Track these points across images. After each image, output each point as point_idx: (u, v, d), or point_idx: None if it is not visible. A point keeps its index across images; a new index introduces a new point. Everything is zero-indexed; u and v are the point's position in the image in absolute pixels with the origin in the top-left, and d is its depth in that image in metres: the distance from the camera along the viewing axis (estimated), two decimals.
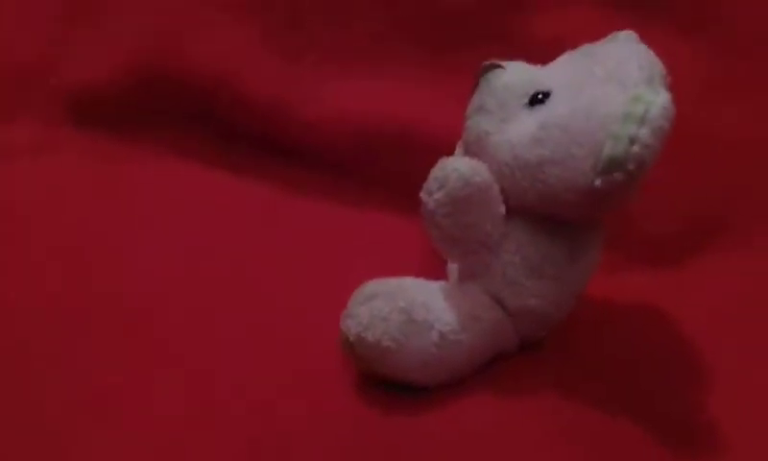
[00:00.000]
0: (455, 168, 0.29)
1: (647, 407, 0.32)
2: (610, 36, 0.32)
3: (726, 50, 0.44)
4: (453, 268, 0.35)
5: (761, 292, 0.39)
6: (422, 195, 0.30)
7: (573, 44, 0.32)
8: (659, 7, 0.43)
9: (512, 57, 0.34)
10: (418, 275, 0.34)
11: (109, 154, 0.48)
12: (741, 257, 0.41)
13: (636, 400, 0.32)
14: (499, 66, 0.31)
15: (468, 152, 0.32)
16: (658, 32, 0.43)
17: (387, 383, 0.31)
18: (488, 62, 0.32)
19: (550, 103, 0.29)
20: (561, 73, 0.30)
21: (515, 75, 0.31)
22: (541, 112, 0.29)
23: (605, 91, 0.28)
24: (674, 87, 0.31)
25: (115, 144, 0.49)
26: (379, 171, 0.45)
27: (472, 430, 0.30)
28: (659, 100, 0.26)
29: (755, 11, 0.44)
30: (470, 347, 0.31)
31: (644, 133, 0.26)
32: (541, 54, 0.33)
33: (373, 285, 0.31)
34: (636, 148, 0.26)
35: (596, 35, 0.33)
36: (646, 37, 0.33)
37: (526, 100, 0.30)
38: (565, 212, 0.30)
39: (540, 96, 0.30)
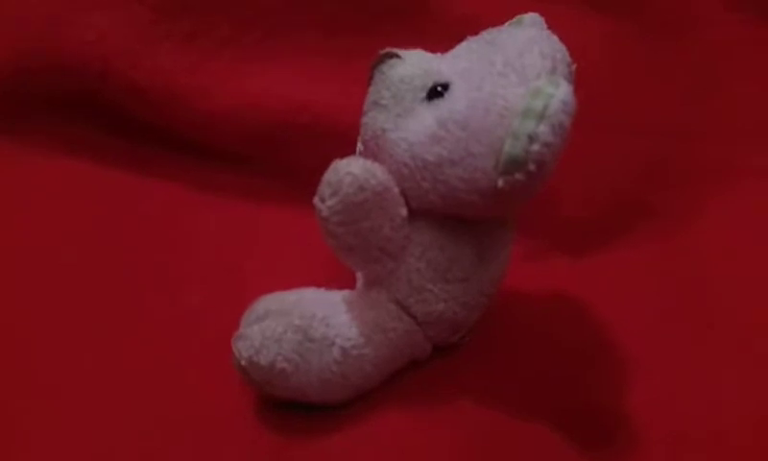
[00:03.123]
0: (348, 172, 0.27)
1: (566, 406, 0.31)
2: (514, 20, 0.30)
3: (641, 31, 0.43)
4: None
5: (678, 277, 0.38)
6: (315, 201, 0.28)
7: (484, 23, 0.30)
8: None
9: (421, 37, 0.31)
10: (327, 278, 0.32)
11: None
12: (660, 241, 0.41)
13: (555, 398, 0.31)
14: (395, 56, 0.29)
15: (367, 150, 0.30)
16: (571, 11, 0.42)
17: (288, 404, 0.29)
18: (383, 52, 0.29)
19: (449, 96, 0.27)
20: (461, 63, 0.28)
21: (411, 66, 0.29)
22: (440, 107, 0.27)
23: (505, 83, 0.26)
24: (589, 70, 0.30)
25: None
26: (285, 165, 0.42)
27: (383, 448, 0.29)
28: (558, 94, 0.24)
29: None
30: (376, 360, 0.30)
31: (543, 130, 0.24)
32: (452, 33, 0.30)
33: (266, 302, 0.29)
34: (535, 147, 0.24)
35: (508, 13, 0.31)
36: (559, 17, 0.31)
37: (424, 93, 0.28)
38: (470, 213, 0.28)
39: (438, 89, 0.28)
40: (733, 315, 0.36)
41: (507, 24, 0.30)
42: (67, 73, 0.43)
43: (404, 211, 0.29)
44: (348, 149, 0.31)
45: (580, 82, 0.29)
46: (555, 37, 0.28)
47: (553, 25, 0.30)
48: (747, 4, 0.45)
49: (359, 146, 0.32)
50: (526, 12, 0.30)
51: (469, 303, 0.31)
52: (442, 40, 0.31)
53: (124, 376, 0.31)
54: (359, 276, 0.33)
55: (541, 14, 0.30)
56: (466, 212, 0.28)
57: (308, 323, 0.28)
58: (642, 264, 0.39)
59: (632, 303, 0.37)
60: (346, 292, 0.31)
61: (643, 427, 0.30)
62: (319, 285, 0.31)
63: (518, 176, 0.25)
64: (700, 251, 0.40)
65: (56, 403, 0.30)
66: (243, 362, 0.28)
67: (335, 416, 0.30)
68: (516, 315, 0.36)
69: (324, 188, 0.27)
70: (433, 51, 0.30)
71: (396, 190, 0.28)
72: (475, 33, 0.30)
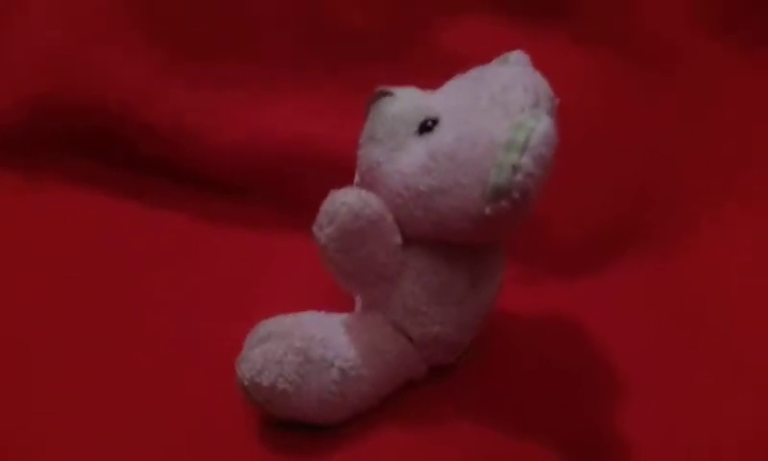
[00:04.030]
0: (344, 202, 0.28)
1: (562, 427, 0.32)
2: (500, 58, 0.32)
3: (629, 60, 0.44)
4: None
5: (672, 299, 0.39)
6: (314, 230, 0.29)
7: (472, 61, 0.32)
8: (559, 18, 0.44)
9: (413, 74, 0.33)
10: (328, 302, 0.33)
11: (8, 186, 0.46)
12: (653, 263, 0.42)
13: (551, 419, 0.32)
14: (389, 94, 0.31)
15: (363, 181, 0.32)
16: (559, 42, 0.43)
17: (289, 424, 0.30)
18: (378, 90, 0.31)
19: (439, 130, 0.29)
20: (449, 99, 0.30)
21: (404, 103, 0.30)
22: (430, 141, 0.29)
23: (490, 117, 0.28)
24: (579, 98, 0.32)
25: (13, 177, 0.46)
26: (287, 195, 0.44)
27: None
28: (539, 127, 0.26)
29: (650, 19, 0.45)
30: (373, 381, 0.31)
31: (526, 161, 0.26)
32: (444, 69, 0.32)
33: (267, 325, 0.30)
34: (519, 177, 0.26)
35: (495, 52, 0.33)
36: (547, 49, 0.33)
37: (416, 128, 0.30)
38: (460, 238, 0.29)
39: (428, 124, 0.29)
40: (728, 336, 0.37)
41: (493, 62, 0.32)
42: (85, 112, 0.45)
43: (398, 239, 0.30)
44: (346, 180, 0.32)
45: (570, 110, 0.30)
46: (538, 74, 0.30)
47: (541, 56, 0.32)
48: (732, 33, 0.46)
49: (356, 177, 0.34)
50: (513, 49, 0.32)
51: (464, 324, 0.32)
52: (432, 77, 0.32)
53: (130, 396, 0.32)
54: (358, 299, 0.34)
55: (529, 47, 0.32)
56: (457, 238, 0.29)
57: (308, 345, 0.29)
58: (636, 286, 0.40)
59: (626, 324, 0.38)
60: (344, 315, 0.32)
61: (638, 448, 0.31)
62: (320, 309, 0.32)
63: (504, 204, 0.27)
64: (692, 272, 0.41)
65: (63, 422, 0.31)
66: (245, 383, 0.29)
67: (334, 435, 0.30)
68: (511, 337, 0.37)
69: (321, 217, 0.29)
70: (424, 87, 0.32)
71: (391, 218, 0.30)
72: (464, 70, 0.32)
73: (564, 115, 0.30)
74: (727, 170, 0.45)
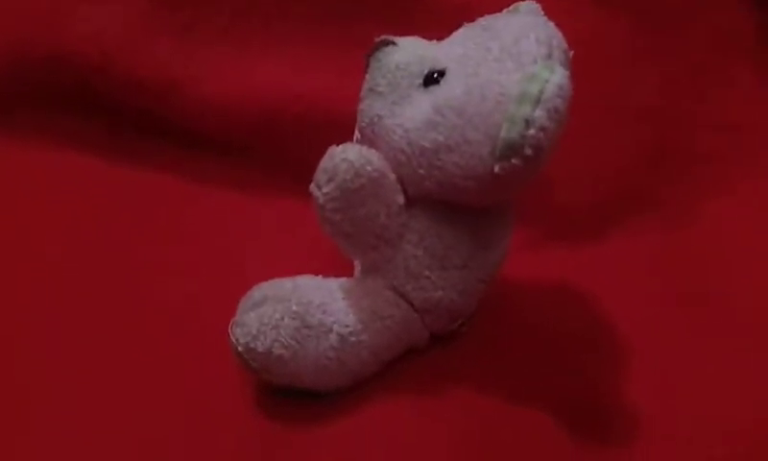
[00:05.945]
0: (344, 158, 0.27)
1: (564, 395, 0.31)
2: (511, 7, 0.30)
3: (640, 17, 0.43)
4: None
5: (677, 266, 0.38)
6: (312, 188, 0.28)
7: (480, 12, 0.30)
8: None
9: (417, 25, 0.31)
10: (324, 266, 0.32)
11: None
12: (660, 230, 0.41)
13: (554, 388, 0.31)
14: (391, 43, 0.29)
15: (363, 137, 0.30)
16: None
17: (286, 391, 0.29)
18: (379, 39, 0.29)
19: (445, 82, 0.27)
20: (457, 49, 0.28)
21: (407, 53, 0.29)
22: (436, 94, 0.27)
23: (501, 69, 0.26)
24: (587, 57, 0.30)
25: None
26: (281, 153, 0.42)
27: (381, 435, 0.29)
28: (554, 78, 0.24)
29: None
30: (373, 347, 0.30)
31: (539, 114, 0.24)
32: (448, 22, 0.30)
33: (263, 289, 0.29)
34: (531, 131, 0.24)
35: (503, 2, 0.31)
36: (555, 4, 0.31)
37: (420, 80, 0.28)
38: (466, 199, 0.28)
39: (434, 75, 0.28)
40: (733, 303, 0.36)
41: (504, 11, 0.30)
42: (65, 65, 0.43)
43: (401, 198, 0.29)
44: (344, 137, 0.31)
45: (578, 69, 0.28)
46: (551, 24, 0.28)
47: (550, 12, 0.30)
48: None
49: (356, 133, 0.32)
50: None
51: (467, 290, 0.31)
52: (438, 29, 0.31)
53: (121, 364, 0.31)
54: (357, 264, 0.33)
55: (538, 2, 0.30)
56: (462, 199, 0.28)
57: (305, 309, 0.28)
58: (641, 253, 0.39)
59: (631, 291, 0.37)
60: (343, 279, 0.31)
61: (642, 416, 0.30)
62: (316, 273, 0.31)
63: (515, 161, 0.25)
64: (698, 240, 0.40)
65: (53, 388, 0.30)
66: (240, 348, 0.28)
67: (333, 403, 0.30)
68: (515, 304, 0.36)
69: (320, 175, 0.27)
70: (429, 38, 0.30)
71: (393, 177, 0.28)
72: (471, 20, 0.30)
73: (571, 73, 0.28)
74: (737, 137, 0.44)
